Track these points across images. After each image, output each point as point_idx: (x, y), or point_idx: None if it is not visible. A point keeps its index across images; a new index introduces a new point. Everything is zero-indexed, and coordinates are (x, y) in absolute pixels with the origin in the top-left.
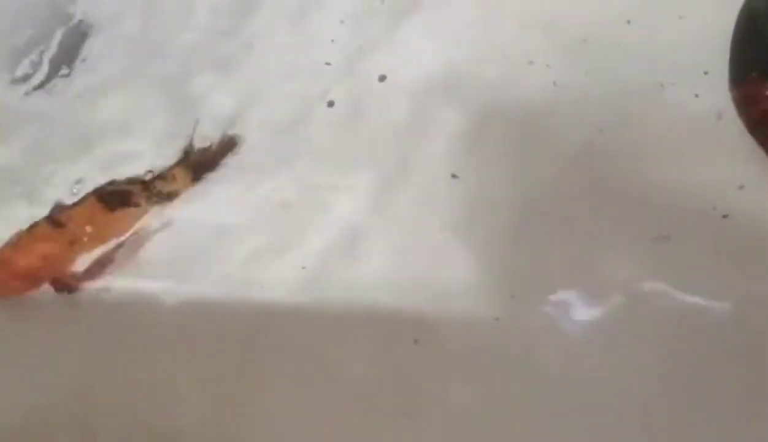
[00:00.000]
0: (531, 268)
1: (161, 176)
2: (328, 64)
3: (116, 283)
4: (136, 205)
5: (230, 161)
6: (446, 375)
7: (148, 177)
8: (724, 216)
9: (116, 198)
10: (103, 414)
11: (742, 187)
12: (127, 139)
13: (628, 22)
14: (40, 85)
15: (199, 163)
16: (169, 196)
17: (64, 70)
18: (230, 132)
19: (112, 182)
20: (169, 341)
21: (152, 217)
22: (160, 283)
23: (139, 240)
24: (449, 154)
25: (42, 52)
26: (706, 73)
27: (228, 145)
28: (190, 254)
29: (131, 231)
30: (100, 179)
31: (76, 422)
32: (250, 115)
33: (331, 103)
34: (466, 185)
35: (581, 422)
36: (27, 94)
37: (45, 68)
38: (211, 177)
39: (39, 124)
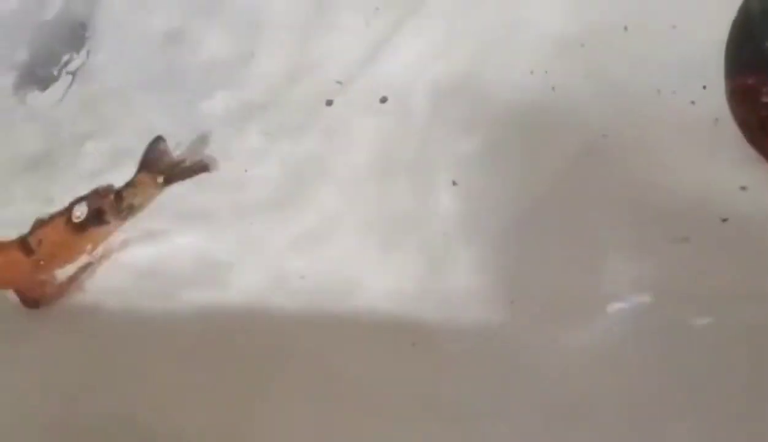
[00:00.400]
0: (531, 273)
1: (130, 183)
2: (339, 82)
3: (118, 290)
4: (107, 222)
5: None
6: (444, 379)
7: (118, 187)
8: (724, 220)
9: (88, 219)
10: (105, 419)
11: (744, 188)
12: (129, 144)
13: (625, 28)
14: (49, 96)
15: (168, 175)
16: (138, 207)
17: (71, 80)
18: (205, 159)
19: (79, 200)
20: (173, 348)
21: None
22: (163, 291)
23: (106, 257)
24: (450, 162)
25: (53, 68)
26: (704, 87)
27: (199, 168)
28: (191, 262)
29: (99, 249)
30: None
31: (78, 427)
32: (251, 122)
33: (329, 102)
34: (467, 192)
35: (580, 426)
36: (35, 105)
37: (54, 81)
38: (208, 183)
39: (44, 132)
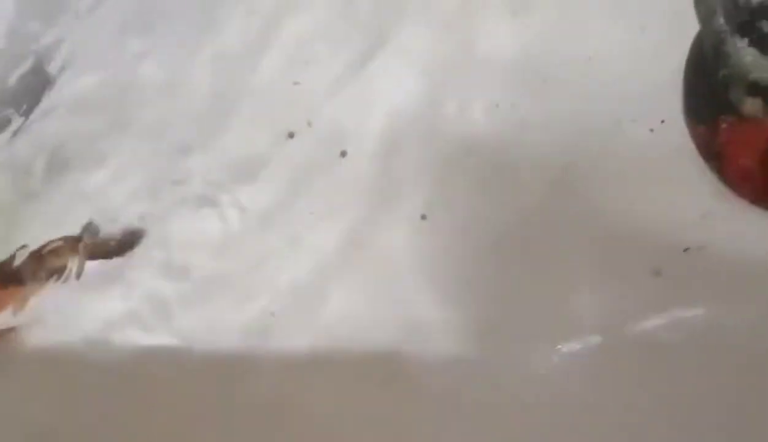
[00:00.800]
0: (502, 306)
1: (54, 252)
2: (309, 124)
3: (81, 335)
4: (24, 283)
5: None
6: (416, 415)
7: (44, 251)
8: (686, 249)
9: (3, 275)
10: None
11: (705, 216)
12: (93, 192)
13: (588, 59)
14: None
15: (94, 252)
16: (57, 274)
17: (29, 120)
18: (134, 229)
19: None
20: (139, 392)
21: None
22: (126, 334)
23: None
24: (419, 196)
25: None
26: (663, 121)
27: (128, 244)
28: (156, 303)
29: (16, 309)
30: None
31: None
32: (212, 159)
33: (291, 135)
34: (436, 226)
35: None
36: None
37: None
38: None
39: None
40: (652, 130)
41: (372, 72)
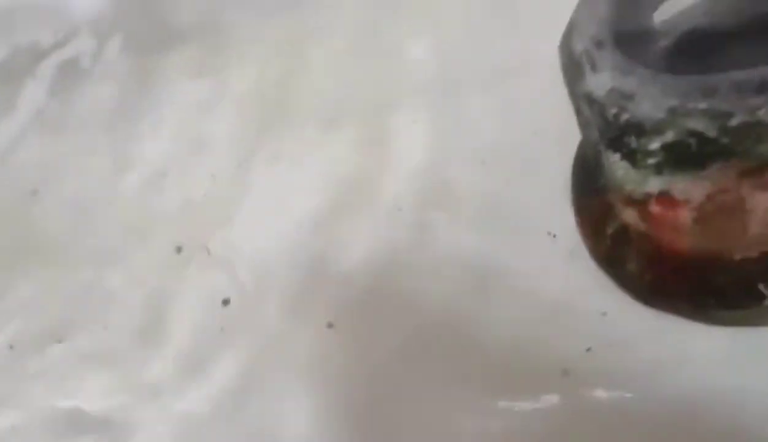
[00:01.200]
0: (411, 419)
1: None
2: (208, 250)
3: None
4: None
5: None
6: None
7: None
8: (588, 349)
9: None
10: None
11: (604, 315)
12: None
13: (483, 162)
14: None
15: None
16: None
17: None
18: None
19: None
20: None
21: None
22: None
23: None
24: (325, 304)
25: None
26: (554, 235)
27: None
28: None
29: None
30: None
31: None
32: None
33: (179, 249)
34: (343, 335)
35: None
36: None
37: None
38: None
39: None
40: (549, 234)
41: (260, 197)
